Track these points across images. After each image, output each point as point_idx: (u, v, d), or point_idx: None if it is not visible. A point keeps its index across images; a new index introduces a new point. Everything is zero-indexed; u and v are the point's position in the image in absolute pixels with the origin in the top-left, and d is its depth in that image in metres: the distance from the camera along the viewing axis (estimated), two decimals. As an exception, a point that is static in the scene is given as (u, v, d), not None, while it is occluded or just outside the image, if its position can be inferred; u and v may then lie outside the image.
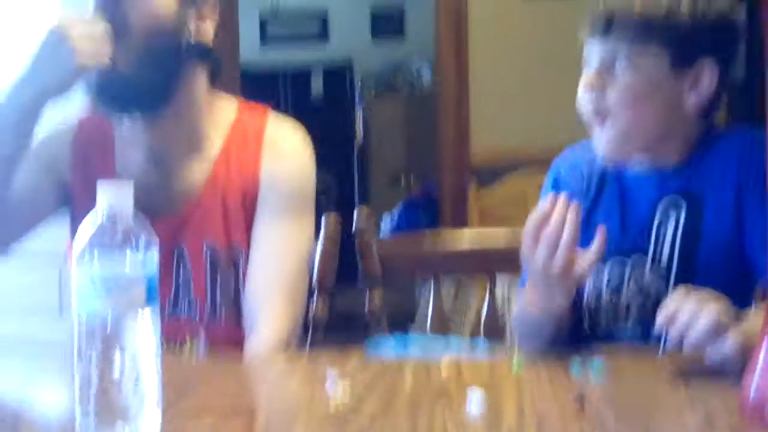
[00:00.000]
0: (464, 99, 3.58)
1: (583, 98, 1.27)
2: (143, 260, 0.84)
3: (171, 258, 1.37)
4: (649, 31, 1.22)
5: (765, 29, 0.78)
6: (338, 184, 6.33)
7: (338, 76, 6.64)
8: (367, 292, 1.59)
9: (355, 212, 1.60)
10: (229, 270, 1.38)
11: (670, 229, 1.26)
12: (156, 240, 0.86)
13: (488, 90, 3.56)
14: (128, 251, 0.83)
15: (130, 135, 1.40)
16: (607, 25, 1.23)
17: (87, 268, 0.83)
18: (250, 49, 6.03)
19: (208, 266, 1.38)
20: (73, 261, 0.85)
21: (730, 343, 1.01)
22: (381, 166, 6.78)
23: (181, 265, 1.38)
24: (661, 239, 1.27)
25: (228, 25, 3.62)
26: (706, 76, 1.24)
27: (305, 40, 7.14)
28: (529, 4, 3.53)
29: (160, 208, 1.35)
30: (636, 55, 1.22)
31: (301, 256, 1.41)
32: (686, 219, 1.26)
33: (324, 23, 7.19)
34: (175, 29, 1.33)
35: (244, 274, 1.38)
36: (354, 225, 1.59)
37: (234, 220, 1.38)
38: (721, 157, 1.26)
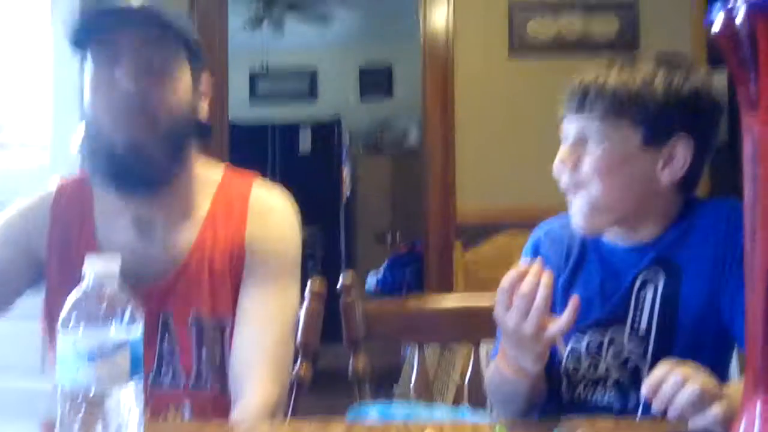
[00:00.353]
0: (450, 158, 3.61)
1: (558, 171, 1.29)
2: (128, 333, 0.84)
3: (155, 326, 1.35)
4: (621, 108, 1.23)
5: (740, 106, 0.81)
6: (324, 238, 6.35)
7: (326, 132, 6.70)
8: (351, 353, 1.60)
9: (341, 276, 1.60)
10: (216, 339, 1.35)
11: (648, 297, 1.27)
12: (141, 314, 0.86)
13: (475, 149, 3.59)
14: (113, 324, 0.83)
15: (116, 204, 1.37)
16: (581, 101, 1.25)
17: (71, 338, 0.84)
18: (239, 105, 6.10)
19: (193, 335, 1.35)
20: (54, 334, 0.84)
21: (714, 414, 1.01)
22: (367, 223, 6.81)
23: (166, 333, 1.35)
24: (639, 308, 1.27)
25: (218, 81, 3.66)
26: (680, 153, 1.24)
27: (294, 98, 7.22)
28: (515, 62, 3.58)
29: (146, 275, 1.34)
30: (608, 130, 1.24)
31: (287, 323, 1.39)
32: (665, 288, 1.27)
33: (313, 81, 7.28)
34: (190, 112, 1.35)
35: (231, 343, 1.35)
36: (338, 288, 1.60)
37: (220, 287, 1.36)
38: (700, 227, 1.28)
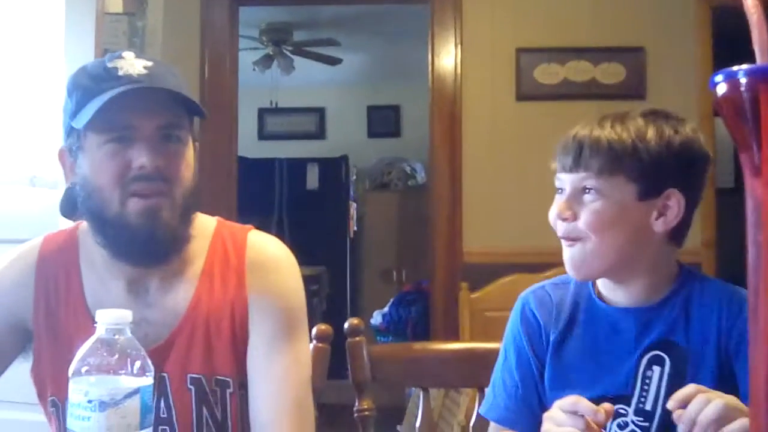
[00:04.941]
0: (457, 199, 3.63)
1: (555, 224, 1.29)
2: (138, 383, 0.86)
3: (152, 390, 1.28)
4: (616, 164, 1.23)
5: (743, 170, 0.82)
6: (330, 275, 6.35)
7: (334, 168, 6.72)
8: (357, 395, 1.60)
9: (346, 323, 1.61)
10: (217, 399, 1.29)
11: (655, 378, 1.27)
12: (151, 366, 0.87)
13: (481, 191, 3.61)
14: (124, 373, 0.85)
15: (107, 268, 1.31)
16: (577, 158, 1.25)
17: (83, 387, 0.85)
18: (248, 141, 6.13)
19: (193, 396, 1.28)
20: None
21: (738, 427, 1.00)
22: (373, 260, 6.81)
23: (162, 396, 1.27)
24: (646, 388, 1.27)
25: (228, 118, 3.70)
26: (674, 205, 1.25)
27: (303, 135, 7.26)
28: (522, 106, 3.62)
29: (140, 339, 1.13)
30: (603, 186, 1.24)
31: (303, 379, 1.35)
32: (671, 370, 1.26)
33: (321, 119, 7.33)
34: (195, 177, 1.31)
35: (232, 406, 1.30)
36: (345, 330, 1.61)
37: (220, 345, 1.30)
38: (700, 309, 1.28)
